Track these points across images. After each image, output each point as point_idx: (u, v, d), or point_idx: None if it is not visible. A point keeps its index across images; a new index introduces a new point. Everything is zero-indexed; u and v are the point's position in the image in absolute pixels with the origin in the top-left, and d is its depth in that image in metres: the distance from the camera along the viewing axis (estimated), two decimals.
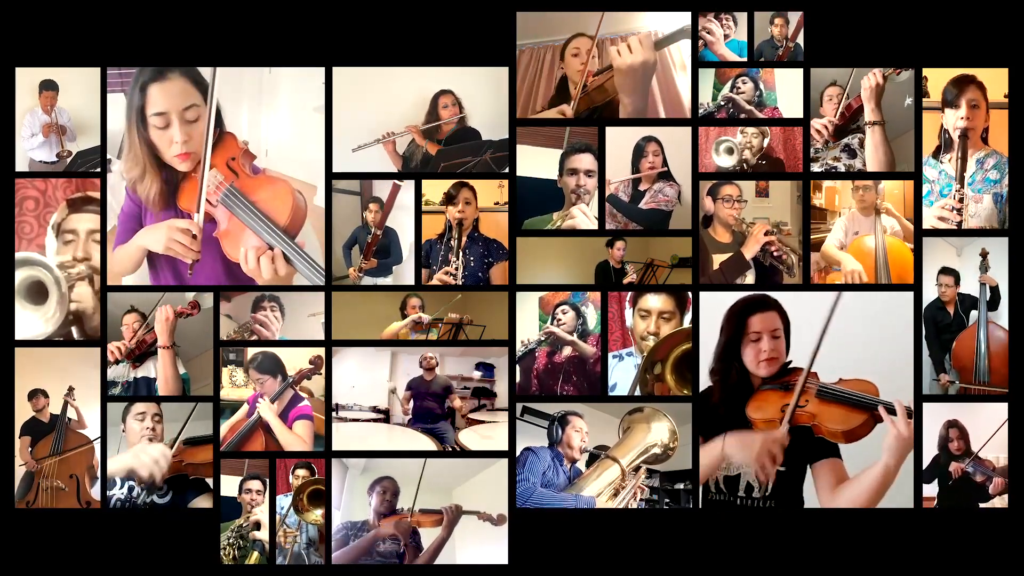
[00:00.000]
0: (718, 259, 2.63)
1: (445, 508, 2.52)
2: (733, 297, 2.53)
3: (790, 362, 2.43)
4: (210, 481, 2.58)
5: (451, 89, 2.68)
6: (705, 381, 2.53)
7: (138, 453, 2.52)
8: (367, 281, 2.65)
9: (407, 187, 2.64)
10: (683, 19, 2.61)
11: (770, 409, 2.37)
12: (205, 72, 2.53)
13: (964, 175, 2.55)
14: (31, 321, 2.55)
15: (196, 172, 2.54)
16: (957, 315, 2.60)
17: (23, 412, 2.59)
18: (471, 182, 2.64)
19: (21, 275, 2.54)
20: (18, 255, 2.57)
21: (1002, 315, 2.58)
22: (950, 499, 2.54)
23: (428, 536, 2.53)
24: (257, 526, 2.58)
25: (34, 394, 2.59)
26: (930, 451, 2.55)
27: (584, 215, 2.61)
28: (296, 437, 2.58)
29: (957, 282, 2.60)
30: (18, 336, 2.57)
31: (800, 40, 2.60)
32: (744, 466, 2.39)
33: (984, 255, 2.57)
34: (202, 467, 2.57)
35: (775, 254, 2.60)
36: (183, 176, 2.57)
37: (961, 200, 2.55)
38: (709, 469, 2.45)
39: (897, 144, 2.60)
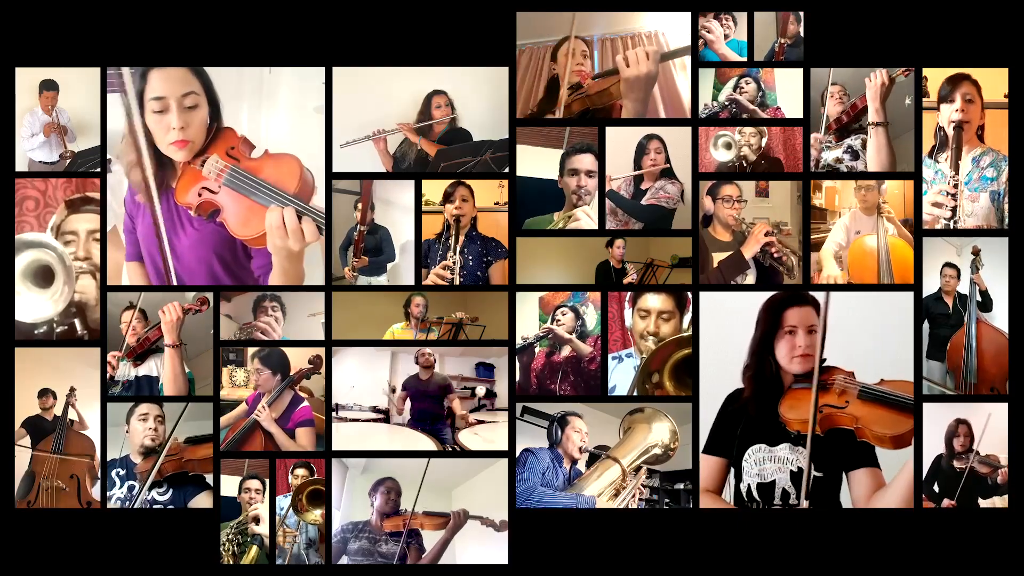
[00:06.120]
0: (717, 257, 2.63)
1: (453, 512, 2.52)
2: (733, 297, 2.53)
3: (824, 360, 2.36)
4: (209, 478, 2.58)
5: (444, 90, 2.68)
6: (706, 382, 2.53)
7: None
8: (362, 280, 2.65)
9: (400, 185, 2.64)
10: (686, 34, 2.61)
11: (805, 409, 2.30)
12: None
13: (959, 164, 2.54)
14: (37, 303, 2.54)
15: (194, 163, 2.51)
16: (956, 310, 2.60)
17: (25, 410, 2.59)
18: (467, 180, 2.64)
19: (27, 257, 2.52)
20: (23, 237, 2.55)
21: (1001, 316, 2.58)
22: (951, 499, 2.53)
23: (430, 538, 2.53)
24: (256, 520, 2.57)
25: (44, 393, 2.59)
26: (930, 455, 2.54)
27: (588, 217, 2.61)
28: (299, 447, 2.59)
29: (959, 277, 2.59)
30: (23, 320, 2.55)
31: (798, 40, 2.60)
32: None
33: (976, 252, 2.56)
34: (201, 463, 2.57)
35: (775, 255, 2.60)
36: (180, 169, 2.54)
37: (956, 186, 2.55)
38: None
39: (897, 144, 2.60)
